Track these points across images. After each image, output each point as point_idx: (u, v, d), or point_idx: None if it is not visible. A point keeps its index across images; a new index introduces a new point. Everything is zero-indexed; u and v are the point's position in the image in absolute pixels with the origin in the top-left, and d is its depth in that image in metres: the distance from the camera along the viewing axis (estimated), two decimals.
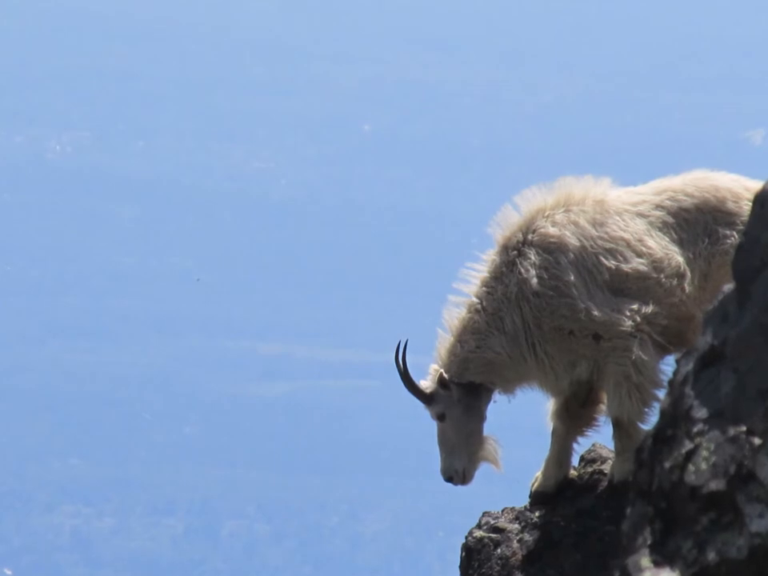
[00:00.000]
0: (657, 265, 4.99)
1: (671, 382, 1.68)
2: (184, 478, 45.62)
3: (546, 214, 5.09)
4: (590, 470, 5.33)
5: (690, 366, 1.60)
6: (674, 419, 1.56)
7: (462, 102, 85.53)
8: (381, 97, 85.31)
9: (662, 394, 4.91)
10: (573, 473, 5.34)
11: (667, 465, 1.50)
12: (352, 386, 52.29)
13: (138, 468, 45.75)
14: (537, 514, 5.22)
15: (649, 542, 1.51)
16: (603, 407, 5.21)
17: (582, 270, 4.99)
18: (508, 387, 5.23)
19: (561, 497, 5.23)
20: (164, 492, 45.00)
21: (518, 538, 5.17)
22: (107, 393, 50.15)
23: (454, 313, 5.13)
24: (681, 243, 5.05)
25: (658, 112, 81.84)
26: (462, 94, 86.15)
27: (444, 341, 5.12)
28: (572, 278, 4.96)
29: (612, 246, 5.00)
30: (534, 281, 4.96)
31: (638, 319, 4.92)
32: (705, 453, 1.42)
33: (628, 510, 1.66)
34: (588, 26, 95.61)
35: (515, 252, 5.05)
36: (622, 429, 5.04)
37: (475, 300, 5.09)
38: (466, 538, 5.31)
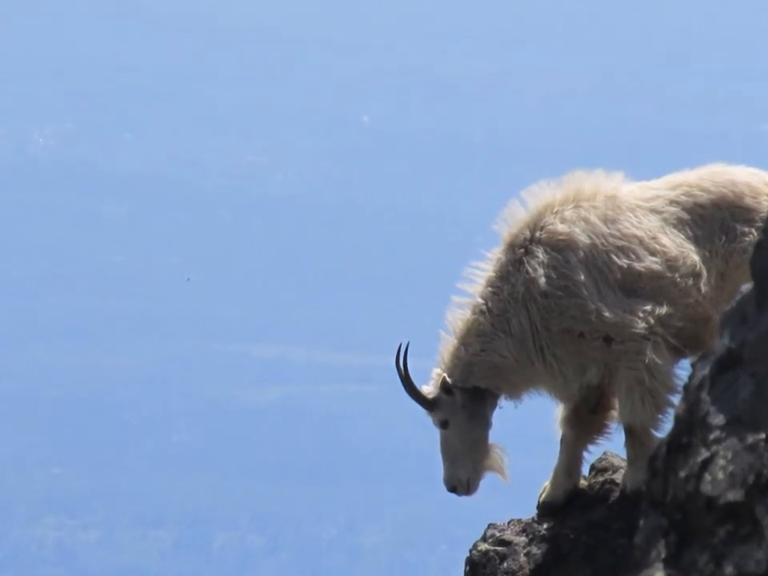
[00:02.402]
0: (671, 264, 4.98)
1: (686, 387, 1.68)
2: (173, 487, 45.63)
3: (555, 210, 5.09)
4: (600, 479, 5.33)
5: (706, 371, 1.60)
6: (690, 426, 1.56)
7: (465, 94, 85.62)
8: (380, 88, 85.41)
9: (676, 399, 4.91)
10: (583, 482, 5.34)
11: (682, 474, 1.50)
12: (350, 391, 52.33)
13: (124, 477, 45.76)
14: (545, 525, 5.22)
15: (663, 556, 1.52)
16: (615, 413, 5.21)
17: (592, 269, 4.99)
18: (514, 392, 5.23)
19: (570, 508, 5.23)
20: (152, 503, 45.02)
21: (525, 551, 5.17)
22: (93, 398, 50.17)
23: (458, 314, 5.13)
24: (696, 241, 5.05)
25: (672, 104, 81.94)
26: (464, 85, 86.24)
27: (447, 344, 5.12)
28: (582, 277, 4.96)
29: (624, 243, 5.00)
30: (542, 280, 4.96)
31: (652, 321, 4.92)
32: (722, 461, 1.42)
33: (641, 522, 1.66)
34: (597, 14, 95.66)
35: (522, 250, 5.04)
36: (634, 436, 5.04)
37: (480, 301, 5.08)
38: (470, 551, 5.31)
